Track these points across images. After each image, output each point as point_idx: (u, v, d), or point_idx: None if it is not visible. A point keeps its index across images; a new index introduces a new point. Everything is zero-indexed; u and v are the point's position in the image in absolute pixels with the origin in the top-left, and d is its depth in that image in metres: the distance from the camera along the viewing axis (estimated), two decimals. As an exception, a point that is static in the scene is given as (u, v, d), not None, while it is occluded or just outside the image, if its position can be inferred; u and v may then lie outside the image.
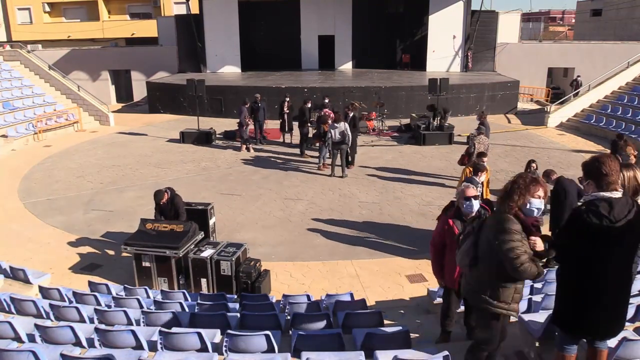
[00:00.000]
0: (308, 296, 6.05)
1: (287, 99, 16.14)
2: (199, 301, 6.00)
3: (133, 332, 4.39)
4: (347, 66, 28.50)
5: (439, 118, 16.64)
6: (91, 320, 5.18)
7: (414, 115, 18.49)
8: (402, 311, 6.20)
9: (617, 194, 3.00)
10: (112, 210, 10.98)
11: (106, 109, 21.33)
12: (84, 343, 4.49)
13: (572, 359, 3.31)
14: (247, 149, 15.69)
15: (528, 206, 3.26)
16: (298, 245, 9.12)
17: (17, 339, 4.52)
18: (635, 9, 32.39)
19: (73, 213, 10.89)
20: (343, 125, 12.57)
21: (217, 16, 26.50)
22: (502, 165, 13.58)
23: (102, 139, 18.34)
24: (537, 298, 5.07)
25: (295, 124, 15.74)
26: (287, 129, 16.24)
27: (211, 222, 8.55)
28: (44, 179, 13.40)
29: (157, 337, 4.43)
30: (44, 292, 6.34)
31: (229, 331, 4.39)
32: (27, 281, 6.91)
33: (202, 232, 7.96)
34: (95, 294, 6.12)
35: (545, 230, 6.77)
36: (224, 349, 4.31)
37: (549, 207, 7.17)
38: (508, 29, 26.82)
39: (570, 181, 7.48)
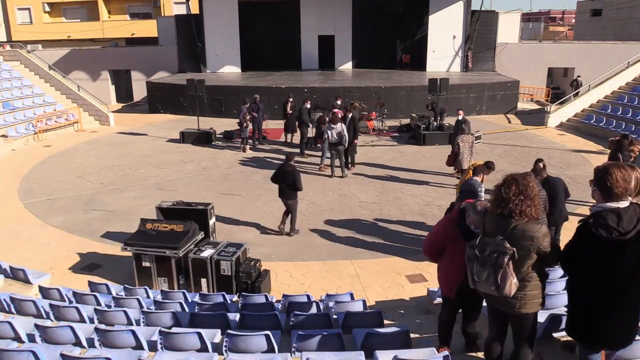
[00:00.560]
0: (308, 296, 6.04)
1: (291, 99, 16.12)
2: (199, 301, 6.00)
3: (133, 332, 4.39)
4: (347, 66, 28.50)
5: (438, 118, 16.66)
6: (91, 320, 5.18)
7: (414, 115, 18.49)
8: (402, 311, 6.19)
9: (624, 204, 2.93)
10: (112, 210, 10.98)
11: (106, 109, 21.33)
12: (84, 343, 4.48)
13: None
14: (244, 149, 15.69)
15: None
16: (298, 245, 9.12)
17: (17, 339, 4.52)
18: (635, 9, 32.37)
19: (73, 213, 10.89)
20: (340, 126, 12.55)
21: (217, 16, 26.50)
22: (502, 165, 13.55)
23: (102, 139, 18.34)
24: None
25: (296, 124, 15.74)
26: (290, 130, 16.19)
27: (211, 222, 8.54)
28: (44, 179, 13.40)
29: (157, 337, 4.43)
30: (44, 292, 6.34)
31: (229, 331, 4.38)
32: (27, 281, 6.91)
33: (202, 232, 7.96)
34: (95, 294, 6.13)
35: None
36: (224, 349, 4.30)
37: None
38: (508, 29, 26.83)
39: (558, 180, 7.81)
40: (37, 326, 4.54)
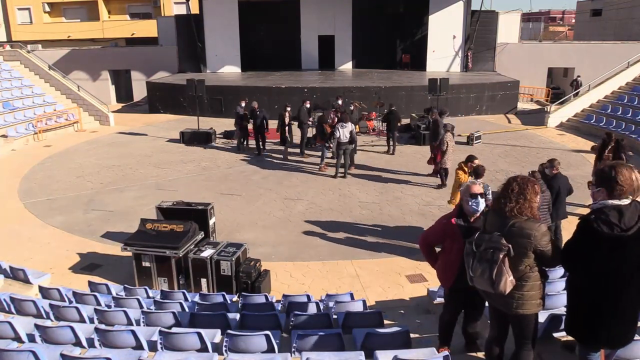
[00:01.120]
0: (308, 296, 6.04)
1: (289, 109, 15.15)
2: (199, 301, 6.00)
3: (133, 332, 4.39)
4: (347, 66, 28.50)
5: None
6: (91, 320, 5.18)
7: (414, 115, 18.48)
8: (402, 311, 6.19)
9: (626, 201, 2.95)
10: (112, 210, 10.98)
11: (106, 109, 21.33)
12: (84, 343, 4.48)
13: None
14: (238, 147, 15.68)
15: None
16: (298, 245, 9.12)
17: (17, 339, 4.52)
18: (635, 9, 32.37)
19: (73, 213, 10.89)
20: (351, 126, 12.54)
21: (217, 16, 26.51)
22: (502, 165, 13.57)
23: (102, 139, 18.35)
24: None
25: (295, 124, 15.69)
26: (286, 141, 15.03)
27: (211, 222, 8.54)
28: (44, 179, 13.40)
29: (157, 337, 4.43)
30: (44, 292, 6.34)
31: (229, 331, 4.38)
32: (27, 281, 6.91)
33: (202, 232, 7.96)
34: (95, 294, 6.12)
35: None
36: (224, 349, 4.30)
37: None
38: (508, 29, 26.82)
39: (565, 178, 8.07)
40: (37, 326, 4.54)
